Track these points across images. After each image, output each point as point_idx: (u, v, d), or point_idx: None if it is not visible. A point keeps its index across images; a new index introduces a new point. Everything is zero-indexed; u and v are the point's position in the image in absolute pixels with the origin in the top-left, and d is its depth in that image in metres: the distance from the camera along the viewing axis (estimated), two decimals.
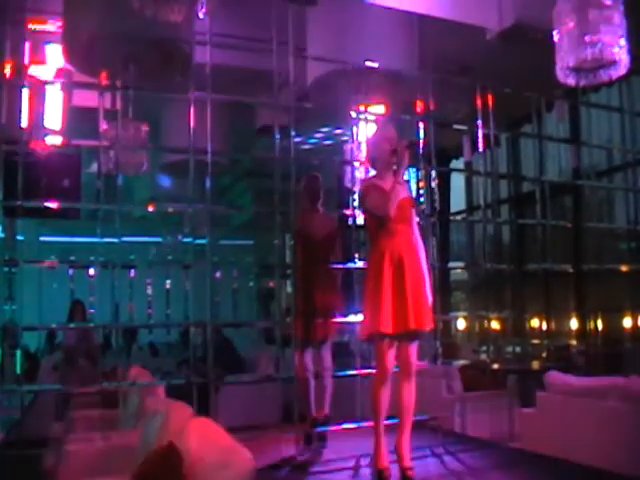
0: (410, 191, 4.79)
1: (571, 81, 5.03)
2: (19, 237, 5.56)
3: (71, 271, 7.54)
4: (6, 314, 5.59)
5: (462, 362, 8.12)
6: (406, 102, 6.81)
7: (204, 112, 5.56)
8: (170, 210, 6.86)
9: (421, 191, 6.86)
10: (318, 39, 6.62)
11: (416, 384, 4.53)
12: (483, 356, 9.42)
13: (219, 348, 8.52)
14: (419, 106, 6.64)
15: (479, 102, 6.81)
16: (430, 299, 4.52)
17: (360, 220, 6.13)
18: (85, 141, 6.17)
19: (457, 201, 12.09)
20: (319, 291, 5.71)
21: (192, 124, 5.55)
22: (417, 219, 4.76)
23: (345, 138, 7.36)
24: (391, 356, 4.39)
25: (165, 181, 10.61)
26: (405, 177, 4.75)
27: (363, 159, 6.44)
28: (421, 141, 6.47)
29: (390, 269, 4.37)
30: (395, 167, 4.56)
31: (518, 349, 8.63)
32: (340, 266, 5.99)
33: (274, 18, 5.73)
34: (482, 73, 6.88)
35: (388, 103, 7.07)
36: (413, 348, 4.47)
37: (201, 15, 4.76)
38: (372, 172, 5.27)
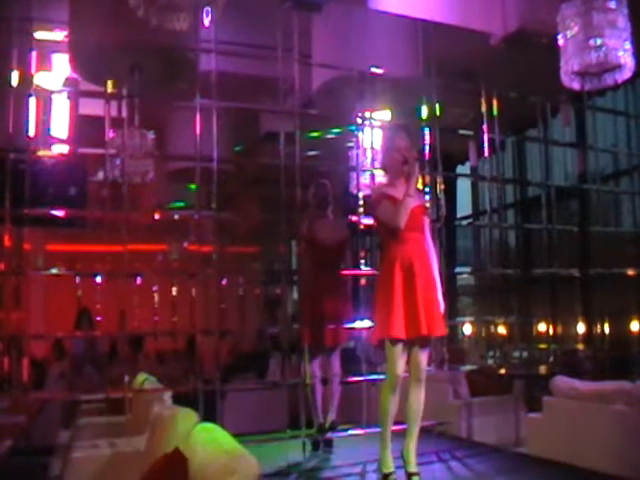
0: (423, 199, 4.79)
1: (576, 85, 5.03)
2: (26, 246, 5.58)
3: (77, 279, 7.54)
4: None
5: (469, 367, 8.11)
6: (411, 108, 6.82)
7: (210, 119, 5.59)
8: (176, 218, 6.88)
9: (427, 196, 6.87)
10: (323, 45, 6.63)
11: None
12: (490, 361, 9.41)
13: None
14: (424, 112, 6.65)
15: (484, 107, 6.82)
16: (442, 305, 4.51)
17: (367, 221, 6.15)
18: (91, 149, 6.19)
19: (463, 206, 12.08)
20: (329, 297, 5.70)
21: (198, 131, 5.57)
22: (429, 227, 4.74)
23: (350, 144, 7.35)
24: (402, 362, 4.38)
25: None
26: (419, 186, 4.76)
27: (369, 165, 6.46)
28: (426, 147, 6.48)
29: (401, 275, 4.37)
30: (406, 177, 4.52)
31: (525, 354, 8.62)
32: (348, 272, 5.99)
33: (279, 25, 5.76)
34: (487, 78, 6.88)
35: (393, 109, 7.09)
36: (424, 354, 4.46)
37: (206, 23, 4.76)
38: (380, 179, 5.28)
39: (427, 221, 4.67)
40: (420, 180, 6.23)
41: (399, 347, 4.35)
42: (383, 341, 4.43)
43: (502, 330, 7.92)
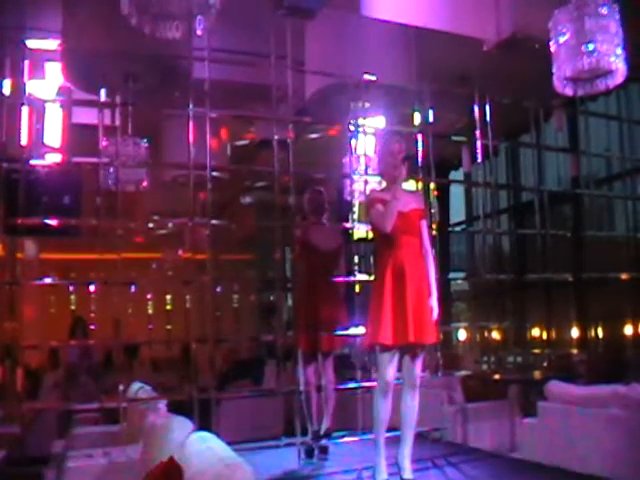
0: (420, 202, 4.77)
1: (568, 91, 5.05)
2: (20, 255, 5.56)
3: (72, 288, 7.53)
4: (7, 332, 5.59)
5: (463, 373, 8.10)
6: (405, 114, 6.83)
7: (203, 127, 5.59)
8: (170, 225, 6.87)
9: None
10: (316, 52, 6.64)
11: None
12: (484, 366, 9.41)
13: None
14: (417, 118, 6.66)
15: (477, 113, 6.83)
16: (436, 312, 4.49)
17: (359, 233, 6.15)
18: (85, 158, 6.19)
19: (457, 212, 12.09)
20: (323, 304, 5.70)
21: (191, 139, 5.57)
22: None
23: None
24: (391, 367, 4.38)
25: None
26: (411, 188, 4.76)
27: (362, 171, 6.47)
28: (419, 153, 6.49)
29: (391, 281, 4.37)
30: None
31: (519, 359, 8.62)
32: (342, 279, 5.99)
33: (272, 32, 5.76)
34: (480, 84, 6.89)
35: (387, 115, 7.10)
36: (417, 360, 4.46)
37: (199, 31, 4.77)
38: (374, 185, 5.29)
39: (424, 225, 4.67)
40: (414, 183, 6.26)
41: (388, 353, 4.36)
42: (372, 346, 4.45)
43: (496, 335, 7.94)
